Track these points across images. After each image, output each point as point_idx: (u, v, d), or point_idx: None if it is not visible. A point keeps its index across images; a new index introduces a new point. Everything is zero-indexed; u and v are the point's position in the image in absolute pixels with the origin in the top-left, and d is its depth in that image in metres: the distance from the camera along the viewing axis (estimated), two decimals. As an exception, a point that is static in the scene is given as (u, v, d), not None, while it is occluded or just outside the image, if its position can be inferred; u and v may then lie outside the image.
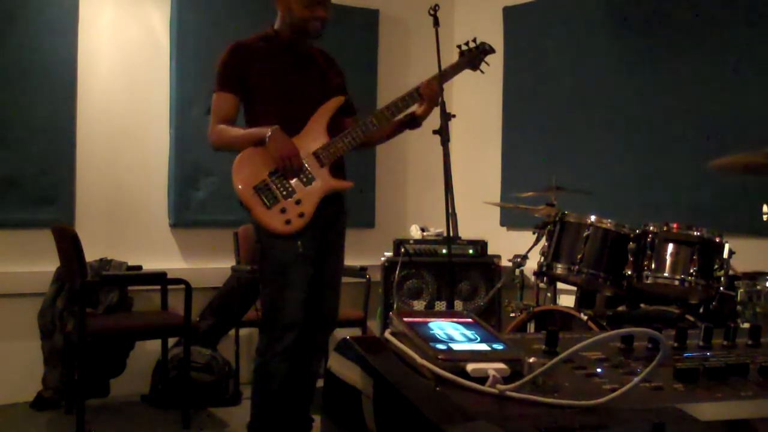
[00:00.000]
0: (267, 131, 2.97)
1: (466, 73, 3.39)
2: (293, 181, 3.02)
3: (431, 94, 3.14)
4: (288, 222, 3.00)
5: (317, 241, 3.11)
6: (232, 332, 4.52)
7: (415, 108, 3.23)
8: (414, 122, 3.26)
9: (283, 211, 3.00)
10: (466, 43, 3.36)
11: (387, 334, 1.21)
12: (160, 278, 4.07)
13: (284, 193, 3.01)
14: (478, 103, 5.26)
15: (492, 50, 3.41)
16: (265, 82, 3.09)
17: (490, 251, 4.80)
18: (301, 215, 3.01)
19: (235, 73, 3.09)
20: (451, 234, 2.99)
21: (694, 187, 4.14)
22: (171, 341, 4.19)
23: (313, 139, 3.08)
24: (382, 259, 4.76)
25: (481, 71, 3.41)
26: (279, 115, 3.05)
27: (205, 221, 4.68)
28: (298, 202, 3.02)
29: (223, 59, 3.11)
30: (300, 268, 3.04)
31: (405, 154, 5.38)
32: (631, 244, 3.39)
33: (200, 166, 4.60)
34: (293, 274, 3.04)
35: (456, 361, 1.08)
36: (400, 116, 3.23)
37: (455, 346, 1.14)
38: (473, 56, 3.35)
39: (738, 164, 3.30)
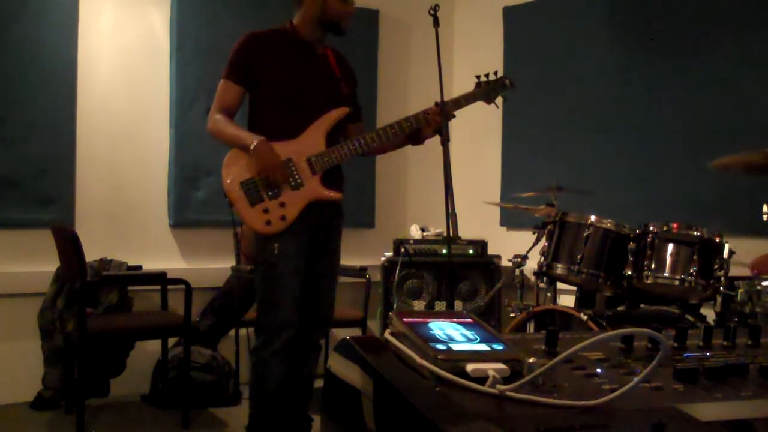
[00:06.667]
0: (252, 142, 2.96)
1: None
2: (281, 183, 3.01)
3: (438, 123, 3.07)
4: (268, 223, 2.99)
5: (310, 242, 3.10)
6: (232, 332, 4.52)
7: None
8: (417, 140, 3.21)
9: (265, 211, 2.99)
10: (486, 75, 3.25)
11: (387, 334, 1.21)
12: (160, 278, 4.07)
13: (270, 193, 2.99)
14: (477, 102, 5.24)
15: (512, 85, 3.28)
16: (274, 79, 3.07)
17: (490, 251, 4.81)
18: (282, 218, 2.99)
19: (245, 64, 3.07)
20: (451, 234, 2.98)
21: (694, 187, 4.14)
22: (171, 341, 4.19)
23: (309, 145, 3.05)
24: (382, 259, 4.76)
25: (496, 105, 3.31)
26: (281, 115, 3.05)
27: (205, 221, 4.67)
28: (282, 205, 3.00)
29: (235, 48, 3.09)
30: (288, 268, 3.03)
31: (405, 154, 5.35)
32: (631, 244, 3.39)
33: (200, 166, 4.60)
34: (281, 275, 3.03)
35: (456, 361, 1.08)
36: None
37: (455, 347, 1.14)
38: (490, 89, 3.24)
39: (738, 164, 3.30)
